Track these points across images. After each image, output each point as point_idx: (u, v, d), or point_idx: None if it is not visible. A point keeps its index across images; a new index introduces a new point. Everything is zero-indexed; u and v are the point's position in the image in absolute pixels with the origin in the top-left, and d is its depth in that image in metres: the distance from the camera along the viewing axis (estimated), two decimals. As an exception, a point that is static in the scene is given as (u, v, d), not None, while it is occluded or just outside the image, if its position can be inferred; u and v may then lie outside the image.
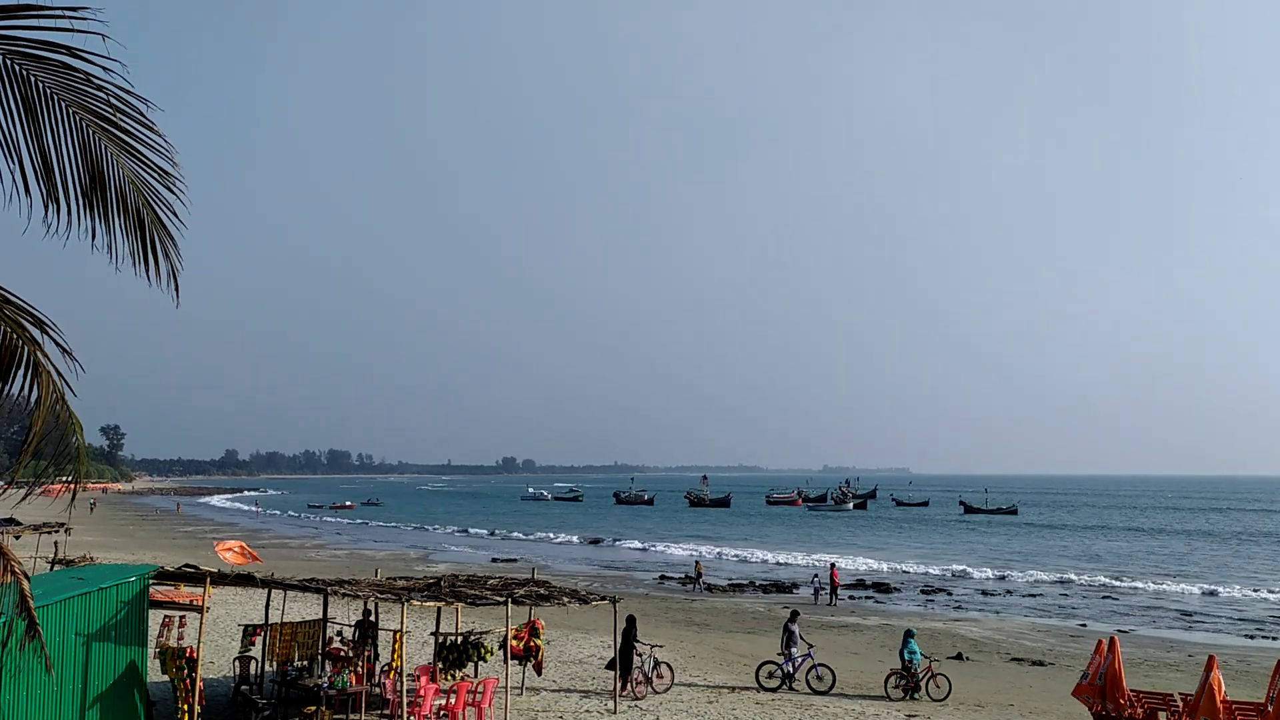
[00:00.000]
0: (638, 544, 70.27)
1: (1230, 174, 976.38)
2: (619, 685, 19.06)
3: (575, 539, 75.63)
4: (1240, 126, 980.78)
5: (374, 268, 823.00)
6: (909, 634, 21.27)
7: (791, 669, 20.91)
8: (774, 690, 20.48)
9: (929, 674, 20.64)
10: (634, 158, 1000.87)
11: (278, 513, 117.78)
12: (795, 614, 22.58)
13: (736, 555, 61.41)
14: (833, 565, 43.36)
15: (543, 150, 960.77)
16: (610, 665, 19.66)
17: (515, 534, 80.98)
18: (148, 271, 6.32)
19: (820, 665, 20.95)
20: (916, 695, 20.39)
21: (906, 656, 20.68)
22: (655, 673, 20.10)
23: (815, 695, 20.22)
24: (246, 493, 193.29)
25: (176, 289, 6.47)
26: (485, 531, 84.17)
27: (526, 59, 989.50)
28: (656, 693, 19.68)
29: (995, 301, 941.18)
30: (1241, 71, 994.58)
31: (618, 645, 19.21)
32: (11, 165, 5.94)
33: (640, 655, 19.80)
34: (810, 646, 21.63)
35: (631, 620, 20.28)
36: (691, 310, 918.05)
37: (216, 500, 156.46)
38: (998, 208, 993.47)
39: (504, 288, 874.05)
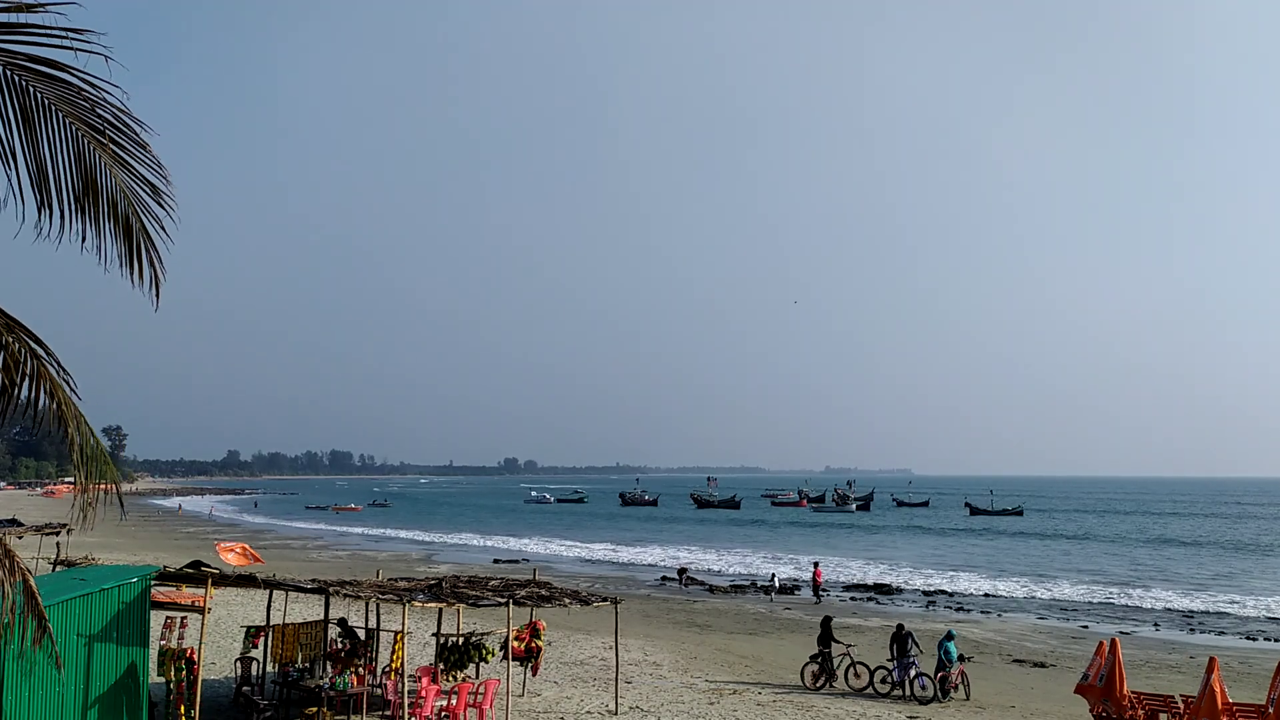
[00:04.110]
0: (640, 546, 70.29)
1: (1235, 175, 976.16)
2: (808, 677, 21.27)
3: (577, 540, 75.64)
4: (1246, 127, 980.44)
5: (377, 267, 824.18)
6: (949, 635, 21.36)
7: (899, 676, 20.80)
8: (886, 695, 20.64)
9: (960, 673, 20.86)
10: (641, 159, 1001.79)
11: (245, 516, 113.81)
12: (901, 627, 21.92)
13: (739, 556, 61.38)
14: (816, 564, 43.45)
15: (551, 149, 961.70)
16: (815, 661, 21.53)
17: (517, 537, 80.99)
18: (132, 275, 6.62)
19: (924, 675, 20.76)
20: (952, 696, 20.56)
21: (942, 656, 20.81)
22: (852, 671, 21.36)
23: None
24: (205, 496, 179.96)
25: (157, 295, 6.76)
26: (486, 535, 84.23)
27: (538, 54, 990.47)
28: (853, 690, 20.91)
29: (999, 302, 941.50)
30: (1247, 71, 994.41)
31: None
32: (8, 170, 6.15)
33: (827, 653, 21.40)
34: (919, 654, 21.42)
35: (826, 620, 22.19)
36: (696, 310, 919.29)
37: (183, 501, 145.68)
38: (1003, 208, 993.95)
39: (508, 286, 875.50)
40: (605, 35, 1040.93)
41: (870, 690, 21.06)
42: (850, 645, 22.14)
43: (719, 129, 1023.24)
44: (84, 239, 6.37)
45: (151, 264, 6.72)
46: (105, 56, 5.93)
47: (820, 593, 40.35)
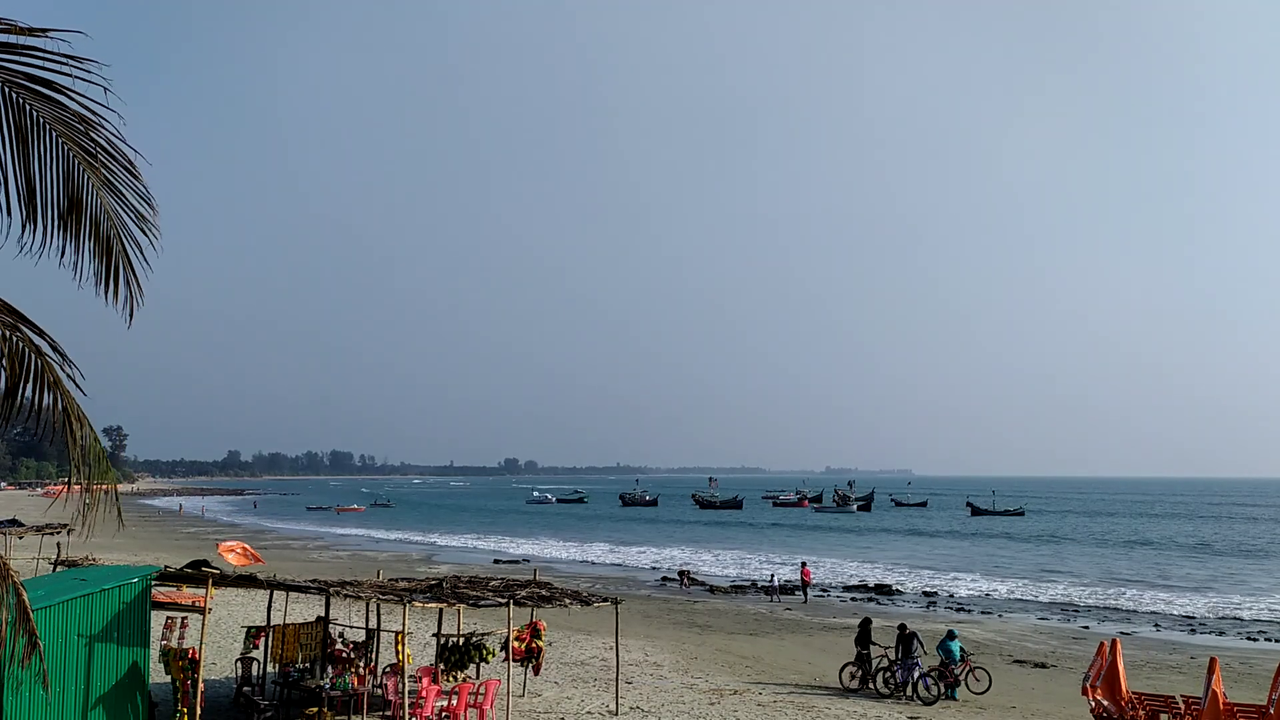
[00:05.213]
0: (641, 546, 70.34)
1: (1237, 175, 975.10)
2: (846, 677, 21.55)
3: (578, 541, 75.68)
4: (1253, 126, 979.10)
5: (378, 267, 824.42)
6: (951, 635, 21.56)
7: (903, 676, 20.90)
8: (889, 695, 20.84)
9: (966, 670, 21.10)
10: (642, 158, 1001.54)
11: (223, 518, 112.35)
12: (904, 627, 21.92)
13: (740, 557, 61.40)
14: (804, 564, 43.60)
15: (552, 148, 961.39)
16: (858, 662, 21.71)
17: (518, 537, 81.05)
18: (107, 294, 6.76)
19: (927, 676, 20.88)
20: (955, 694, 20.75)
21: (941, 654, 21.02)
22: (886, 673, 21.43)
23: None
24: (204, 496, 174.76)
25: (131, 314, 6.90)
26: (487, 536, 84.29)
27: (538, 52, 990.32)
28: (888, 693, 21.09)
29: (999, 302, 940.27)
30: (1259, 72, 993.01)
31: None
32: None
33: (865, 654, 21.53)
34: (924, 654, 21.42)
35: (866, 621, 22.36)
36: (696, 310, 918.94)
37: (183, 501, 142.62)
38: (1003, 207, 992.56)
39: (509, 286, 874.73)
40: (606, 32, 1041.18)
41: (874, 689, 21.18)
42: (889, 647, 21.89)
43: (720, 127, 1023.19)
44: (63, 254, 6.54)
45: (129, 285, 6.86)
46: (104, 87, 6.13)
47: (819, 593, 40.34)
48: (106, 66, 6.09)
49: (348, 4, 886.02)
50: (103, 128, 6.33)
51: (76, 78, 6.07)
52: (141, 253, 6.83)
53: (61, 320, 6.76)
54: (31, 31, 5.91)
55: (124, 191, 6.61)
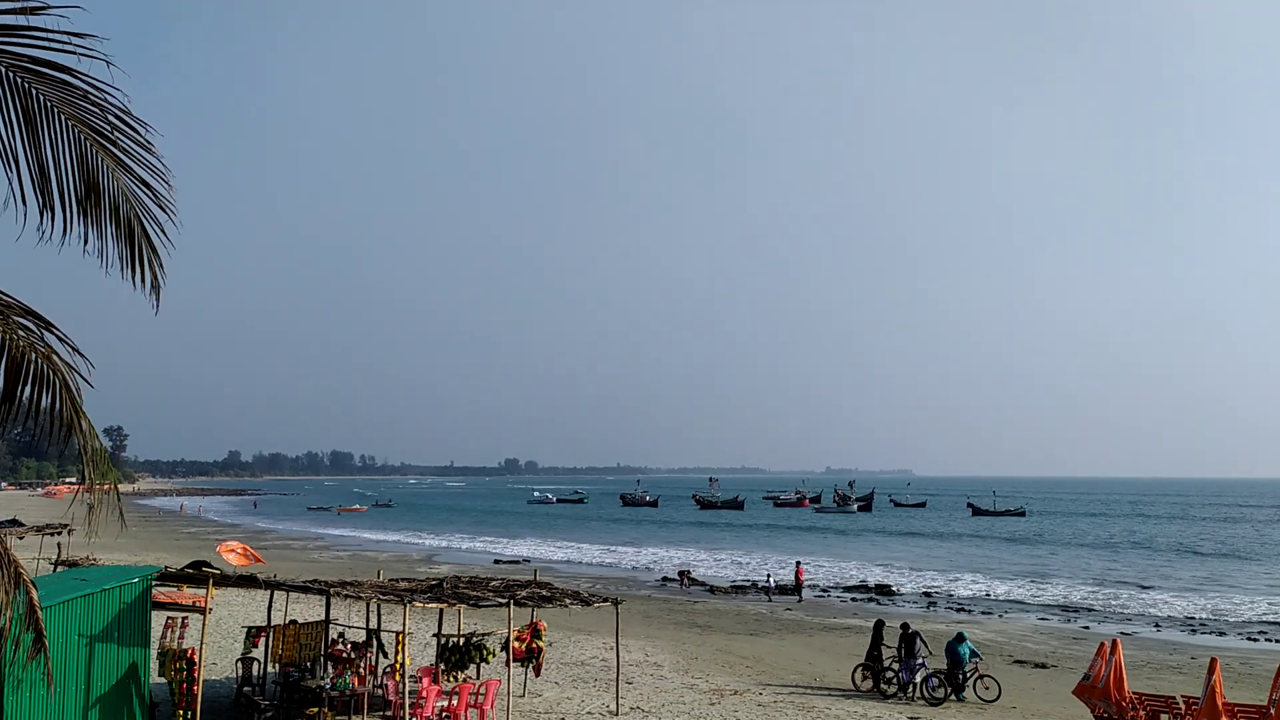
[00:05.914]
0: (641, 547, 70.28)
1: (1232, 178, 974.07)
2: (858, 677, 21.64)
3: (577, 541, 75.64)
4: (1243, 130, 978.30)
5: (377, 268, 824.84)
6: (960, 637, 21.49)
7: (906, 677, 20.86)
8: (890, 696, 20.75)
9: (975, 674, 21.02)
10: (639, 158, 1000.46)
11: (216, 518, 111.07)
12: (907, 627, 21.84)
13: (740, 557, 61.36)
14: (798, 563, 43.67)
15: (549, 152, 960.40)
16: (870, 663, 21.68)
17: (518, 538, 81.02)
18: (134, 278, 6.62)
19: (934, 676, 20.80)
20: (961, 696, 20.71)
21: (948, 657, 20.99)
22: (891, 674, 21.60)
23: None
24: (205, 496, 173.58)
25: (157, 299, 6.78)
26: (487, 536, 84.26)
27: (531, 55, 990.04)
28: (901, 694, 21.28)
29: (1000, 303, 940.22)
30: (1250, 73, 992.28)
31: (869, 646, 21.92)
32: (10, 174, 6.14)
33: (877, 655, 21.50)
34: (929, 654, 21.34)
35: (879, 624, 22.27)
36: (695, 311, 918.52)
37: (184, 501, 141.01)
38: (1003, 209, 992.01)
39: (508, 288, 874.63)
40: (599, 37, 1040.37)
41: (882, 690, 21.15)
42: (896, 648, 21.85)
43: (715, 131, 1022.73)
44: (86, 242, 6.36)
45: (152, 268, 6.69)
46: (106, 61, 5.94)
47: (819, 593, 40.38)
48: (108, 41, 5.92)
49: (338, 9, 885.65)
50: (111, 104, 6.15)
51: (79, 54, 5.88)
52: (162, 230, 6.66)
53: (62, 321, 6.64)
54: (33, 10, 5.77)
55: (137, 169, 6.41)
